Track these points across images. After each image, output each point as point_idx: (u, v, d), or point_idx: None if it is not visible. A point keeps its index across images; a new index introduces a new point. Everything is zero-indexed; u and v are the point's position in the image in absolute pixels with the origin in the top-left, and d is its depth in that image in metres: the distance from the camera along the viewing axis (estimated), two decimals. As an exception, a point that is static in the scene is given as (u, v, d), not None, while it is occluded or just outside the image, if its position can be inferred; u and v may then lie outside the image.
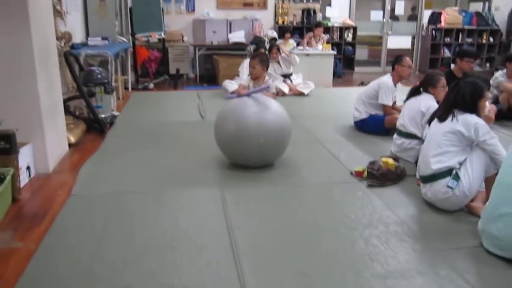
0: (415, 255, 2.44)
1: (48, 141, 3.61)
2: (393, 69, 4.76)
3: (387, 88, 4.67)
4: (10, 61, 3.32)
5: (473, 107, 2.94)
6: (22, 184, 3.25)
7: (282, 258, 2.38)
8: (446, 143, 2.95)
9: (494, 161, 2.87)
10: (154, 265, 2.27)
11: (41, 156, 3.56)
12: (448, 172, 2.93)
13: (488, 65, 10.47)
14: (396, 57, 4.82)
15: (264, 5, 9.32)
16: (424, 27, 10.34)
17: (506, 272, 2.30)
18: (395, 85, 4.75)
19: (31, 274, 2.21)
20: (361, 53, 10.47)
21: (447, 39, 10.22)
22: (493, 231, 2.42)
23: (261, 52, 6.40)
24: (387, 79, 4.73)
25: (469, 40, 10.31)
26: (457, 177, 2.89)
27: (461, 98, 2.97)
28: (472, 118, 2.91)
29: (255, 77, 5.46)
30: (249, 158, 3.61)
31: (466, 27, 10.24)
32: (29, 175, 3.44)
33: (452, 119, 2.96)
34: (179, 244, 2.48)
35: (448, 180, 2.88)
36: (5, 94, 3.36)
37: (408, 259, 2.39)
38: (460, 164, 2.94)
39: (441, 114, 3.08)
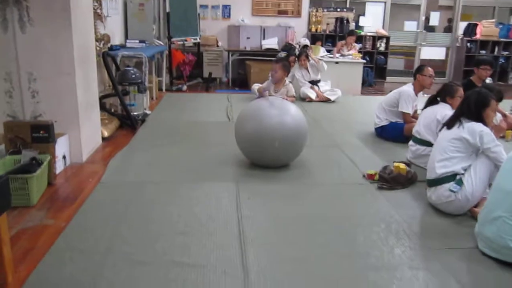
0: (410, 252, 2.59)
1: (83, 134, 3.94)
2: (414, 78, 4.87)
3: (407, 96, 4.79)
4: (53, 60, 3.66)
5: (478, 116, 3.06)
6: (57, 171, 3.58)
7: (284, 246, 2.59)
8: (452, 149, 3.08)
9: (498, 168, 2.97)
10: (167, 245, 2.52)
11: (76, 146, 3.89)
12: (452, 177, 3.06)
13: (525, 78, 10.31)
14: (418, 67, 4.93)
15: (298, 13, 9.53)
16: (459, 39, 10.30)
17: (496, 272, 2.42)
18: (416, 94, 4.86)
19: (59, 247, 2.50)
20: (393, 63, 10.51)
21: (483, 51, 10.13)
22: (488, 233, 2.54)
23: (283, 58, 6.71)
24: (408, 88, 4.85)
25: (506, 53, 10.20)
26: (460, 182, 3.01)
27: (467, 107, 3.10)
28: (478, 126, 3.03)
29: (276, 81, 5.77)
30: (266, 159, 3.82)
31: (502, 39, 10.13)
32: (65, 164, 3.77)
33: (458, 126, 3.09)
34: (192, 229, 2.73)
35: (450, 185, 3.01)
36: (47, 89, 3.70)
37: (403, 255, 2.55)
38: (465, 170, 3.06)
39: (449, 122, 3.21)
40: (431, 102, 4.17)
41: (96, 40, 4.58)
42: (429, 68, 4.81)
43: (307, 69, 7.30)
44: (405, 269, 2.40)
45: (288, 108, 3.85)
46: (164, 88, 7.69)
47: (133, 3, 6.96)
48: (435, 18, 10.66)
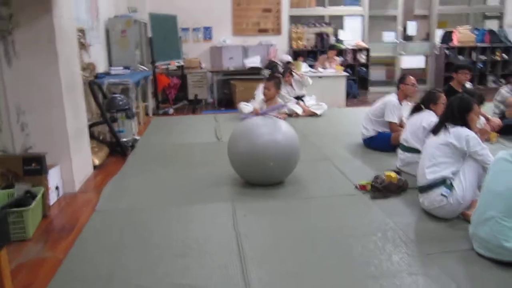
0: (408, 258, 2.63)
1: (75, 163, 3.93)
2: (398, 88, 4.98)
3: (392, 106, 4.89)
4: (41, 92, 3.68)
5: (462, 120, 3.15)
6: (51, 202, 3.56)
7: (284, 260, 2.62)
8: (440, 155, 3.15)
9: (486, 170, 3.04)
10: (167, 269, 2.53)
11: (68, 177, 3.88)
12: (443, 181, 3.12)
13: (503, 81, 10.51)
14: (400, 77, 5.07)
15: (278, 31, 9.66)
16: (437, 47, 10.52)
17: (493, 272, 2.48)
18: (400, 103, 4.96)
19: (59, 280, 2.49)
20: (375, 73, 10.68)
21: (461, 57, 10.35)
22: (482, 234, 2.60)
23: (275, 75, 6.77)
24: (392, 97, 4.95)
25: (483, 57, 10.42)
26: (450, 187, 3.08)
27: (451, 113, 3.18)
28: (463, 131, 3.12)
29: (268, 98, 5.78)
30: (260, 177, 3.84)
31: (479, 44, 10.38)
32: (58, 194, 3.75)
33: (445, 132, 3.17)
34: (191, 250, 2.74)
35: (442, 189, 3.08)
36: (36, 121, 3.71)
37: (401, 261, 2.59)
38: (454, 174, 3.13)
39: (435, 128, 3.29)
40: (416, 110, 4.27)
41: (82, 69, 4.60)
42: (411, 77, 4.93)
43: (291, 85, 7.39)
44: (404, 275, 2.44)
45: (280, 126, 3.89)
46: (150, 113, 7.72)
47: (115, 30, 6.99)
48: (412, 28, 10.91)
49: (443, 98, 4.14)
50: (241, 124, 4.02)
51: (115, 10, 7.48)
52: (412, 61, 10.90)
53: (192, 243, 2.85)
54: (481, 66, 10.38)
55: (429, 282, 2.37)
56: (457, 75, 5.38)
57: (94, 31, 6.13)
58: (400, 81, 4.97)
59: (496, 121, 5.15)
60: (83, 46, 5.16)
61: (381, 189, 3.65)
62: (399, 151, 4.30)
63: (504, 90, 5.74)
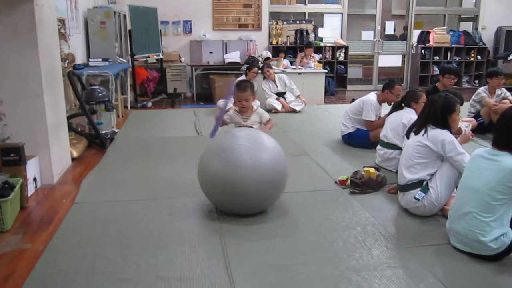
0: (387, 252, 2.69)
1: (53, 155, 3.88)
2: (383, 90, 4.95)
3: (371, 105, 4.93)
4: (20, 81, 3.62)
5: (443, 121, 3.17)
6: (29, 194, 3.50)
7: (265, 253, 2.65)
8: (417, 156, 3.18)
9: (461, 175, 3.08)
10: (151, 261, 2.53)
11: (46, 168, 3.82)
12: (419, 183, 3.17)
13: (477, 82, 10.79)
14: (390, 81, 4.94)
15: (258, 27, 9.69)
16: (414, 46, 10.71)
17: (469, 265, 2.56)
18: (379, 104, 5.01)
19: (40, 271, 2.46)
20: (353, 71, 10.79)
21: (436, 57, 10.56)
22: (458, 228, 2.68)
23: (247, 80, 5.76)
24: (372, 97, 4.99)
25: (458, 58, 10.65)
26: (426, 189, 3.12)
27: (433, 112, 3.20)
28: (441, 135, 3.12)
29: (246, 110, 4.25)
30: (239, 206, 3.11)
31: (454, 45, 10.61)
32: (36, 186, 3.70)
33: (423, 134, 3.20)
34: (174, 244, 2.75)
35: (416, 192, 3.14)
36: (16, 111, 3.65)
37: (381, 255, 2.65)
38: (431, 175, 3.18)
39: (417, 128, 3.31)
40: (396, 107, 4.34)
41: (61, 60, 4.52)
42: (400, 87, 4.86)
43: (274, 81, 7.41)
44: (384, 268, 2.50)
45: (263, 145, 3.11)
46: (129, 106, 7.64)
47: (94, 21, 6.89)
48: (390, 27, 11.07)
49: (423, 98, 4.20)
50: (216, 142, 3.25)
51: (94, 1, 7.36)
52: (389, 60, 11.08)
53: (175, 236, 2.85)
54: (456, 66, 10.59)
55: (408, 275, 2.43)
56: (443, 79, 5.48)
57: (72, 21, 6.03)
58: (387, 87, 4.86)
59: (474, 121, 5.30)
60: (63, 36, 5.07)
61: (360, 184, 3.71)
62: (379, 147, 4.37)
63: (481, 90, 5.89)
